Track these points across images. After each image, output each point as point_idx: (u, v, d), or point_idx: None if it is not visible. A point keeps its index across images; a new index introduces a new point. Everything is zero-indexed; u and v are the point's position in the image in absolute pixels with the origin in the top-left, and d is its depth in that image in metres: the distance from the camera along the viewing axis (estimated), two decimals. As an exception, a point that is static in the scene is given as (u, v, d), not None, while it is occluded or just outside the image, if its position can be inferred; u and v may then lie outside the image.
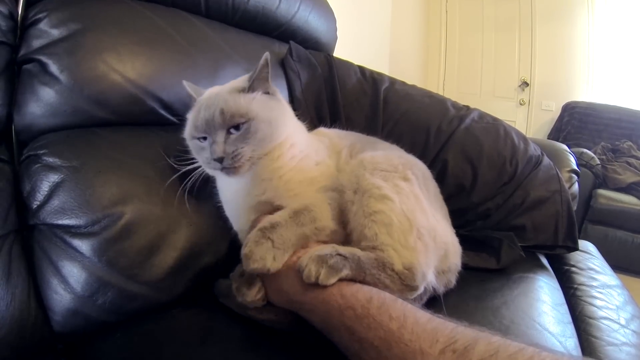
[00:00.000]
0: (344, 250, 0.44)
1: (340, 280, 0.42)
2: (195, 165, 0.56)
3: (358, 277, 0.43)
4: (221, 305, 0.54)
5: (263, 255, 0.44)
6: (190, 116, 0.56)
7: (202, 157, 0.53)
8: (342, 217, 0.52)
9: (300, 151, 0.56)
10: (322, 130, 0.68)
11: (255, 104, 0.53)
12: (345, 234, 0.52)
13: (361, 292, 0.40)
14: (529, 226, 0.79)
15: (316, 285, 0.41)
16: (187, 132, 0.56)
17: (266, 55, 0.54)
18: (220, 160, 0.50)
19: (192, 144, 0.55)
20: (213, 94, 0.55)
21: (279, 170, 0.54)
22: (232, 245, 0.61)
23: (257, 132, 0.52)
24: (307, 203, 0.50)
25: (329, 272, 0.41)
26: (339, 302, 0.40)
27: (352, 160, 0.58)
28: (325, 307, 0.40)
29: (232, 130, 0.51)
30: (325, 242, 0.50)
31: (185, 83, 0.60)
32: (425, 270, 0.47)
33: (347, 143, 0.63)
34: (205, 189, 0.64)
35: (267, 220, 0.47)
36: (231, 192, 0.58)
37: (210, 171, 0.55)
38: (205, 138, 0.53)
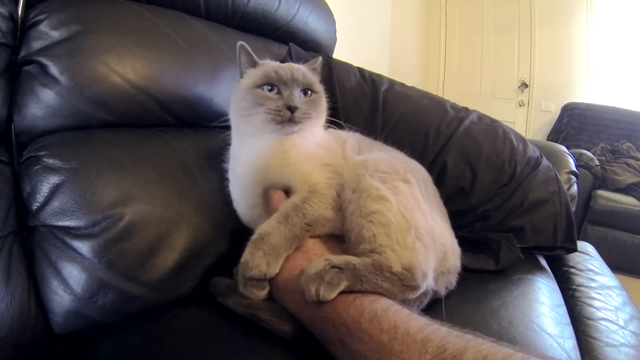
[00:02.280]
0: (338, 260, 0.44)
1: (340, 293, 0.42)
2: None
3: (356, 287, 0.43)
4: (221, 305, 0.54)
5: (258, 263, 0.46)
6: (253, 72, 0.60)
7: (268, 104, 0.56)
8: (340, 213, 0.53)
9: (316, 140, 0.62)
10: (330, 129, 0.70)
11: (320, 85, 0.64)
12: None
13: (353, 307, 0.41)
14: (527, 227, 0.79)
15: (318, 302, 0.42)
16: (251, 81, 0.59)
17: (322, 57, 0.68)
18: (293, 110, 0.55)
19: (254, 92, 0.57)
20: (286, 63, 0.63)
21: (296, 148, 0.57)
22: (232, 246, 0.61)
23: (319, 105, 0.61)
24: (298, 199, 0.51)
25: (328, 289, 0.42)
26: (332, 318, 0.41)
27: (357, 157, 0.59)
28: (322, 324, 0.42)
29: (301, 94, 0.59)
30: (321, 237, 0.52)
31: (242, 43, 0.62)
32: (426, 269, 0.47)
33: (355, 136, 0.68)
34: (205, 190, 0.64)
35: (257, 232, 0.49)
36: (245, 162, 0.59)
37: (258, 122, 0.57)
38: (271, 90, 0.58)
